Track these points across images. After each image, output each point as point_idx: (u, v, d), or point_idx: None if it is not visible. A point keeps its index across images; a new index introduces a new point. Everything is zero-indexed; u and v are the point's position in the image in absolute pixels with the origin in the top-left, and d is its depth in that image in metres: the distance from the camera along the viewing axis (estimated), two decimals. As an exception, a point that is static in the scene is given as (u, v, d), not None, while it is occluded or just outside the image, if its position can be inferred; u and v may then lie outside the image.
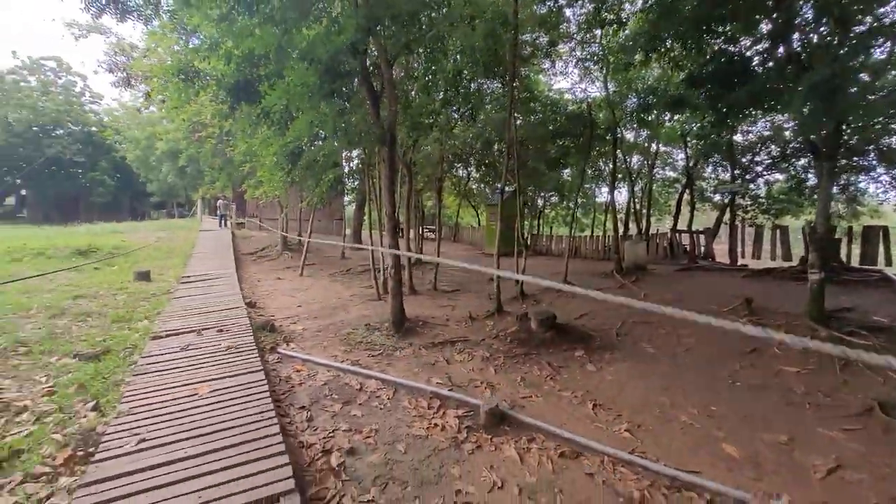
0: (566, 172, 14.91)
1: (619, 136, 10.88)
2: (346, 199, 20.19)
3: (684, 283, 8.55)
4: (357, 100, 5.43)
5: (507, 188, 8.93)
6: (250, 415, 3.03)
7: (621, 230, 14.06)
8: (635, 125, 11.84)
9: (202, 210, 27.77)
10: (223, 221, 21.09)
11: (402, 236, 9.62)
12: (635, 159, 16.05)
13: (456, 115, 8.40)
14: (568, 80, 21.63)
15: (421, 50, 5.56)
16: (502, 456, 3.00)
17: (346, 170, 11.21)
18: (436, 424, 3.37)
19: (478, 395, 3.97)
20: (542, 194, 18.23)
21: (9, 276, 8.67)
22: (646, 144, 14.88)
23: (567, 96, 12.15)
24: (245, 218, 22.63)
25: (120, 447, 2.64)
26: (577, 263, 12.33)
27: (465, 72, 6.98)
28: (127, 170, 32.26)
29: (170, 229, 19.64)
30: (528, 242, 19.53)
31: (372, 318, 6.51)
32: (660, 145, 14.81)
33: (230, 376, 3.74)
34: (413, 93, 6.59)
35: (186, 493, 2.19)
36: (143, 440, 2.70)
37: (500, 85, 9.14)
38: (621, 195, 18.85)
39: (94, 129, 33.10)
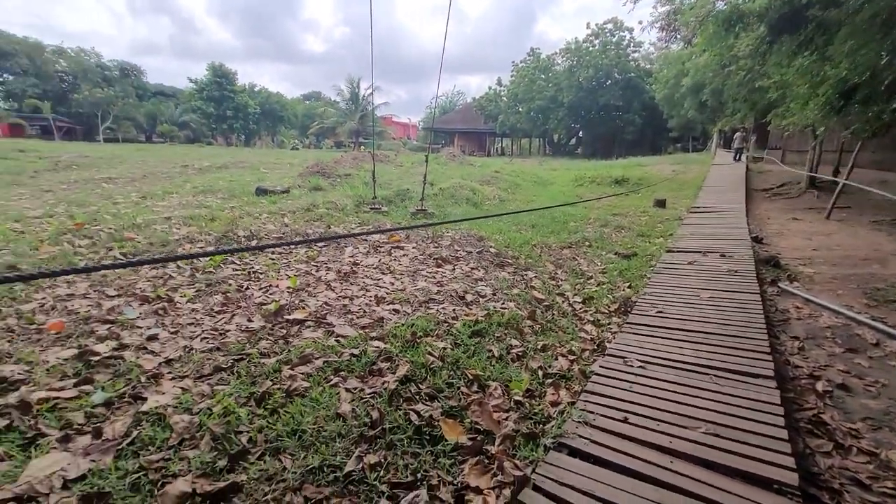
0: None
1: None
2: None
3: None
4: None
5: None
6: (741, 322, 3.61)
7: None
8: None
9: (717, 144, 27.39)
10: (738, 155, 20.18)
11: None
12: None
13: None
14: None
15: None
16: None
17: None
18: None
19: None
20: None
21: (577, 197, 12.67)
22: None
23: None
24: (765, 151, 20.58)
25: (645, 311, 3.97)
26: None
27: None
28: (652, 108, 36.08)
29: (684, 163, 21.04)
30: None
31: (925, 280, 5.05)
32: None
33: (727, 291, 4.38)
34: None
35: (684, 349, 3.17)
36: (660, 312, 3.92)
37: None
38: None
39: (632, 74, 38.70)
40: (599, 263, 6.02)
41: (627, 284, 5.04)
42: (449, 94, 73.14)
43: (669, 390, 2.57)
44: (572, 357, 3.25)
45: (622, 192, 12.59)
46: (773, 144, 19.84)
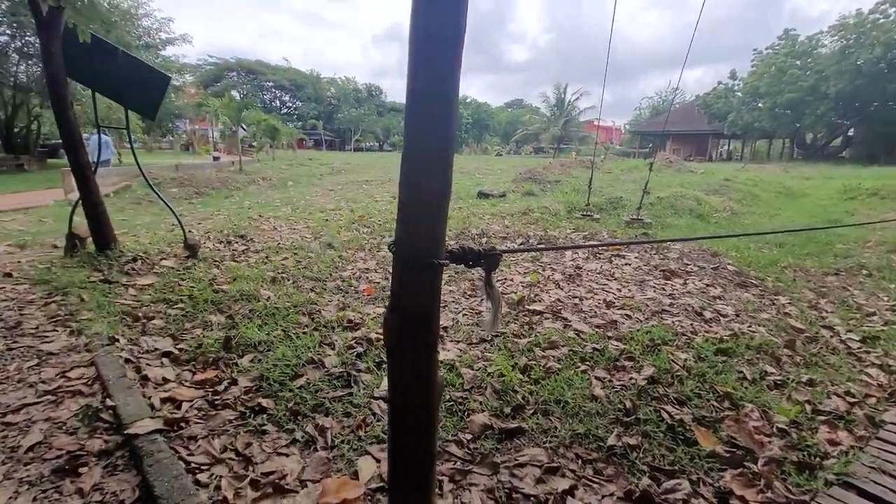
0: None
1: None
2: None
3: None
4: None
5: None
6: None
7: None
8: None
9: None
10: None
11: None
12: None
13: None
14: None
15: None
16: None
17: None
18: None
19: None
20: None
21: (845, 212, 10.15)
22: None
23: None
24: None
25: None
26: None
27: None
28: None
29: None
30: None
31: None
32: None
33: None
34: None
35: None
36: None
37: None
38: None
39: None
40: (886, 298, 4.81)
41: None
42: (663, 93, 66.40)
43: None
44: (851, 399, 2.79)
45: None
46: None
